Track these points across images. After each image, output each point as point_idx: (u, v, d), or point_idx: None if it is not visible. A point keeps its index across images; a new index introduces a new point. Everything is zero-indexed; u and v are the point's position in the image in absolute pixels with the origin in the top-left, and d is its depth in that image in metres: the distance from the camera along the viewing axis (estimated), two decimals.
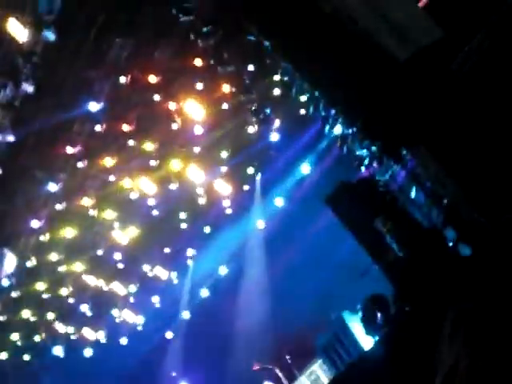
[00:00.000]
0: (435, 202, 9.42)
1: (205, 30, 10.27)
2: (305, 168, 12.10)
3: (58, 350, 15.08)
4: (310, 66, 10.53)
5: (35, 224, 12.08)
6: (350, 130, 10.93)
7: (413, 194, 9.89)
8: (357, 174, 10.96)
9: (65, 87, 9.46)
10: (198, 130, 11.86)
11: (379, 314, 7.14)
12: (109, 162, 11.68)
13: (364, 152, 10.75)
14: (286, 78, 11.23)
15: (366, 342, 8.42)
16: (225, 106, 11.77)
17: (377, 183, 10.37)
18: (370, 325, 7.29)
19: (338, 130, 11.02)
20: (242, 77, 11.47)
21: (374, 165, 10.53)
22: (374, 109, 9.60)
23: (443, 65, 9.02)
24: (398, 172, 10.13)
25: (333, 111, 11.09)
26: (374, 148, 10.54)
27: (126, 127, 11.12)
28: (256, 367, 11.11)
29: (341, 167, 11.44)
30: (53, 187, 11.35)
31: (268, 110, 11.99)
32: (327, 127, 11.20)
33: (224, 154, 12.45)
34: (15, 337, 14.27)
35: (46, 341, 14.95)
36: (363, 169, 10.77)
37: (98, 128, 10.87)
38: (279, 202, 12.91)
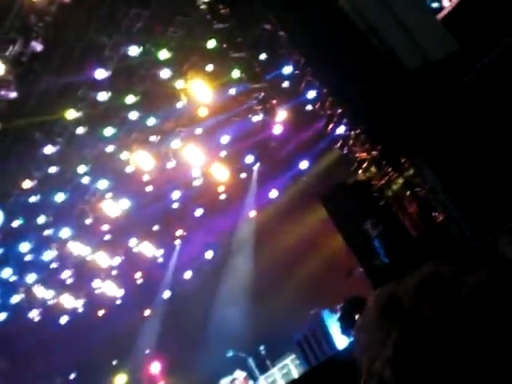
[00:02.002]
0: (427, 214, 9.42)
1: (222, 12, 10.21)
2: (303, 163, 12.07)
3: (35, 314, 15.01)
4: (322, 63, 10.52)
5: (27, 184, 12.01)
6: (353, 132, 10.92)
7: (406, 203, 9.88)
8: (354, 176, 10.94)
9: (74, 50, 9.38)
10: (203, 112, 11.81)
11: (357, 317, 7.14)
12: (109, 131, 11.60)
13: (364, 155, 10.74)
14: (296, 72, 11.20)
15: (341, 341, 8.43)
16: (232, 91, 11.73)
17: (372, 187, 10.36)
18: (346, 326, 7.31)
19: (341, 130, 11.00)
20: (253, 64, 11.43)
21: (372, 169, 10.53)
22: (379, 113, 9.59)
23: (455, 78, 9.01)
24: (395, 179, 10.13)
25: (338, 111, 11.07)
26: (374, 152, 10.54)
27: (130, 99, 11.05)
28: (229, 354, 11.13)
29: (339, 167, 11.42)
30: (49, 150, 11.28)
31: (274, 101, 11.96)
32: (331, 126, 11.18)
33: (225, 139, 12.39)
34: None
35: (24, 303, 14.88)
36: (361, 171, 10.76)
37: (102, 96, 10.79)
38: (274, 193, 12.88)
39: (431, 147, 8.86)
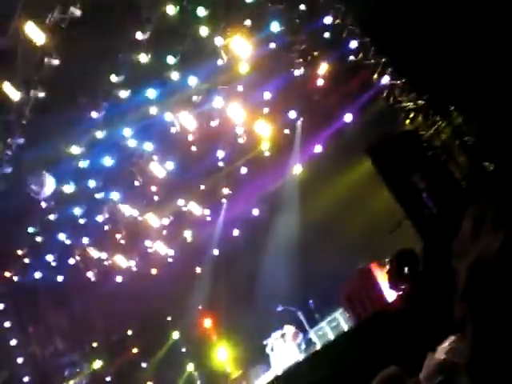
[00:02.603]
0: (477, 164, 9.19)
1: None
2: (348, 116, 11.83)
3: (91, 274, 15.47)
4: (363, 10, 10.22)
5: (75, 150, 12.25)
6: (399, 81, 10.66)
7: (456, 153, 9.66)
8: (401, 127, 10.73)
9: (112, 14, 9.37)
10: (243, 68, 11.69)
11: (406, 269, 7.08)
12: (151, 93, 11.64)
13: (410, 105, 10.50)
14: (337, 21, 10.94)
15: (390, 295, 8.40)
16: (272, 45, 11.53)
17: (420, 138, 10.15)
18: (395, 279, 7.25)
19: (385, 80, 10.75)
20: (292, 16, 11.20)
21: (419, 119, 10.29)
22: (425, 61, 9.30)
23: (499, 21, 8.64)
24: (443, 128, 9.90)
25: (382, 60, 10.80)
26: (420, 101, 10.29)
27: (170, 59, 11.03)
28: (279, 309, 11.23)
29: (385, 118, 11.18)
30: (94, 114, 11.44)
31: (316, 53, 11.74)
32: (375, 76, 10.93)
33: (267, 95, 12.25)
34: (50, 258, 14.65)
35: (80, 264, 15.34)
36: (408, 122, 10.54)
37: (143, 58, 10.79)
38: (318, 148, 12.71)
39: (479, 95, 8.58)
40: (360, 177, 11.35)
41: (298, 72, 11.92)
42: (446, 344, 1.84)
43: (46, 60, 9.75)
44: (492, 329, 0.93)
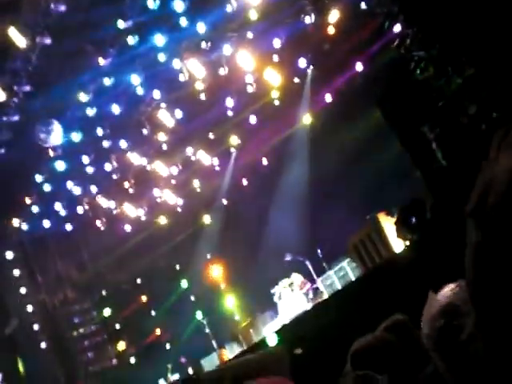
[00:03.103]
0: (487, 115, 9.08)
1: None
2: (358, 65, 11.65)
3: (99, 223, 15.57)
4: None
5: (83, 97, 12.17)
6: (410, 30, 10.44)
7: (466, 104, 9.53)
8: (412, 76, 10.56)
9: None
10: (253, 15, 11.48)
11: (414, 219, 7.09)
12: (160, 40, 11.47)
13: (421, 54, 10.31)
14: None
15: (397, 244, 8.43)
16: None
17: (431, 87, 10.00)
18: (403, 228, 7.28)
19: (397, 28, 10.55)
20: None
21: (431, 68, 10.13)
22: (437, 10, 9.10)
23: None
24: (454, 78, 9.74)
25: (394, 8, 10.56)
26: (432, 51, 10.10)
27: (179, 5, 10.83)
28: (287, 258, 11.29)
29: (395, 68, 10.99)
30: (102, 61, 11.31)
31: (326, 0, 11.51)
32: (387, 24, 10.71)
33: (277, 43, 12.05)
34: (58, 207, 14.73)
35: (88, 213, 15.42)
36: (418, 71, 10.38)
37: (150, 3, 10.61)
38: (328, 97, 12.57)
39: (490, 46, 8.41)
40: (370, 127, 11.24)
41: (308, 19, 11.68)
42: (447, 289, 1.84)
43: (52, 6, 9.60)
44: (495, 248, 0.91)
